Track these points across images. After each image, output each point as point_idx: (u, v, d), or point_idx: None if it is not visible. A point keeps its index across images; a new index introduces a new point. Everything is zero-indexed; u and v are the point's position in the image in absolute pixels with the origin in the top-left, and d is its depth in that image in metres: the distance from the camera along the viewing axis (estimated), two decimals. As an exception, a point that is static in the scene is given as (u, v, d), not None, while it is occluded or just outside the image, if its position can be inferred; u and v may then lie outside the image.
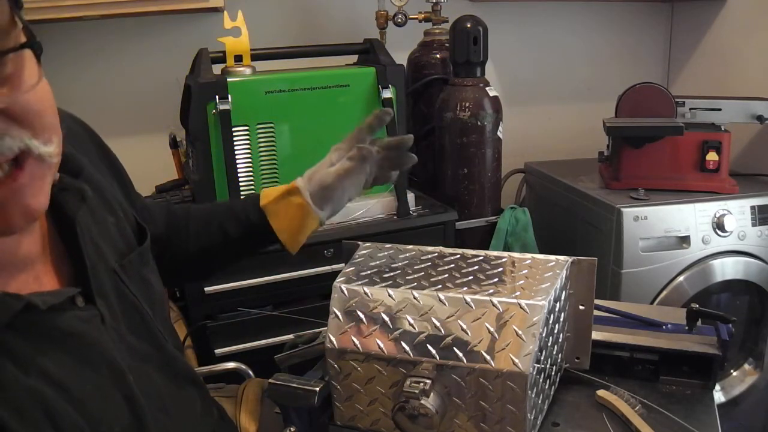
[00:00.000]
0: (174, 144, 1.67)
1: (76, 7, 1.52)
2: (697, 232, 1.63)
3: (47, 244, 0.67)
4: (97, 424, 0.62)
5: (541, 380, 0.75)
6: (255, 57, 1.53)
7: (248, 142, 1.46)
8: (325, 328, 0.78)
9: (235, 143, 1.43)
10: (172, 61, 1.75)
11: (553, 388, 0.84)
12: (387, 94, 1.54)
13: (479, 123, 1.66)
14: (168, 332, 0.81)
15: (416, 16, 1.85)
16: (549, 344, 0.76)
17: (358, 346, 0.75)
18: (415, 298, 0.75)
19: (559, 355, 0.84)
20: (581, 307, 0.85)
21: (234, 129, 1.43)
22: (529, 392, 0.70)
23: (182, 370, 0.78)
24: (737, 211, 1.64)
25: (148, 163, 1.67)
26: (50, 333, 0.61)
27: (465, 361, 0.71)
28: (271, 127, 1.48)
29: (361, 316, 0.76)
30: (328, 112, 1.52)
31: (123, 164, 0.88)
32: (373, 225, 1.55)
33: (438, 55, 1.85)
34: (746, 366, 1.83)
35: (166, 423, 0.71)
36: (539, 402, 0.76)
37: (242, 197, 1.04)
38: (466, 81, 1.68)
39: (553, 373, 0.82)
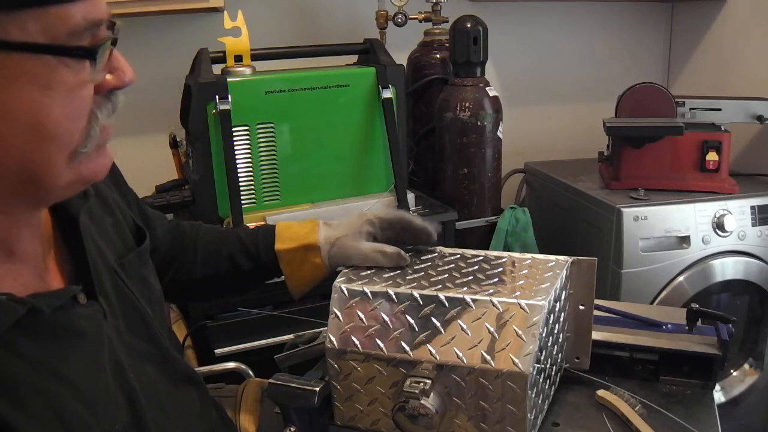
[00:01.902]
0: (174, 144, 1.67)
1: (76, 7, 1.52)
2: (697, 232, 1.63)
3: (51, 241, 0.68)
4: (102, 421, 0.62)
5: (541, 380, 0.75)
6: (255, 57, 1.53)
7: (248, 142, 1.46)
8: (325, 328, 0.78)
9: (235, 143, 1.43)
10: (172, 61, 1.75)
11: (553, 388, 0.84)
12: (387, 94, 1.54)
13: (479, 123, 1.66)
14: (166, 332, 0.81)
15: (416, 16, 1.85)
16: (549, 344, 0.76)
17: (358, 346, 0.75)
18: (415, 297, 0.75)
19: (559, 355, 0.84)
20: (581, 307, 0.85)
21: (234, 129, 1.43)
22: (529, 392, 0.70)
23: (181, 369, 0.78)
24: (737, 211, 1.64)
25: (148, 163, 1.67)
26: (56, 331, 0.61)
27: (465, 361, 0.71)
28: (271, 127, 1.48)
29: (361, 316, 0.76)
30: (328, 112, 1.52)
31: (123, 164, 0.88)
32: (373, 225, 1.55)
33: (438, 55, 1.85)
34: (746, 366, 1.83)
35: (164, 422, 0.71)
36: (539, 402, 0.75)
37: (254, 228, 1.00)
38: (466, 81, 1.68)
39: (553, 373, 0.82)
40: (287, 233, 0.95)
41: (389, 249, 0.86)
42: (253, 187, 1.48)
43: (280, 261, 0.94)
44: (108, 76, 0.61)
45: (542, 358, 0.73)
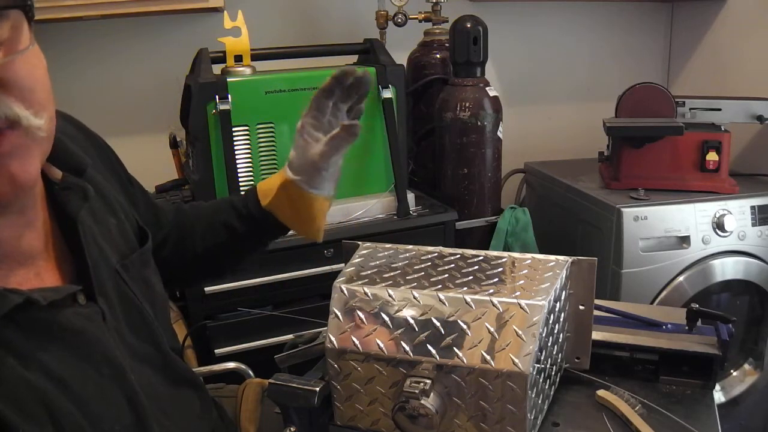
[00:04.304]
0: (174, 144, 1.67)
1: (76, 7, 1.52)
2: (697, 232, 1.63)
3: (50, 241, 0.67)
4: (98, 422, 0.62)
5: (541, 380, 0.75)
6: (255, 57, 1.53)
7: (248, 142, 1.46)
8: (325, 328, 0.78)
9: (235, 143, 1.43)
10: (172, 61, 1.75)
11: (553, 388, 0.84)
12: (387, 94, 1.55)
13: (479, 123, 1.66)
14: (168, 334, 0.81)
15: (416, 16, 1.85)
16: (549, 344, 0.76)
17: (358, 346, 0.75)
18: (415, 298, 0.75)
19: (559, 355, 0.84)
20: (581, 307, 0.85)
21: (234, 129, 1.43)
22: (529, 392, 0.69)
23: (181, 371, 0.78)
24: (737, 211, 1.64)
25: (148, 163, 1.67)
26: (51, 329, 0.61)
27: (465, 361, 0.71)
28: (271, 127, 1.48)
29: (361, 316, 0.76)
30: (328, 112, 1.52)
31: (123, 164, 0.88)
32: (373, 225, 1.55)
33: (438, 55, 1.85)
34: (746, 366, 1.83)
35: (166, 423, 0.71)
36: (539, 402, 0.75)
37: (241, 193, 1.00)
38: (466, 81, 1.68)
39: (553, 373, 0.82)
40: (265, 187, 0.94)
41: (336, 132, 0.86)
42: (253, 187, 1.48)
43: (274, 213, 0.93)
44: None
45: (542, 358, 0.73)
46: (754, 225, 1.66)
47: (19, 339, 0.58)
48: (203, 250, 0.97)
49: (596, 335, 0.89)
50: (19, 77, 0.56)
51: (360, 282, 0.80)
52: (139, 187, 0.91)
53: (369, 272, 0.84)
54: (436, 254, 0.89)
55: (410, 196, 1.62)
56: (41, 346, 0.59)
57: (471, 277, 0.79)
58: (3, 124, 0.55)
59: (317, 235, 0.95)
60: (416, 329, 0.74)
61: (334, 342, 0.76)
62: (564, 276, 0.80)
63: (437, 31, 1.86)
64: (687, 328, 0.92)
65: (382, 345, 0.74)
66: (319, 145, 0.89)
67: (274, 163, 1.49)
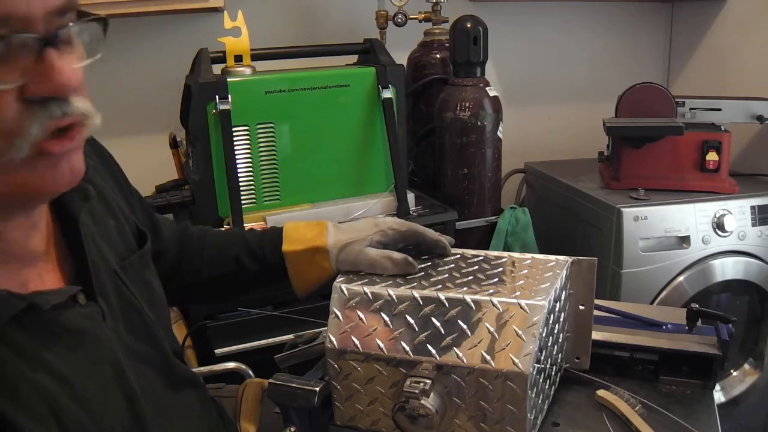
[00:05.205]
0: (174, 144, 1.67)
1: (76, 7, 1.52)
2: (697, 232, 1.63)
3: (51, 241, 0.68)
4: (99, 421, 0.62)
5: (541, 380, 0.75)
6: (255, 57, 1.53)
7: (248, 142, 1.46)
8: (325, 328, 0.78)
9: (235, 143, 1.43)
10: (172, 61, 1.75)
11: (553, 388, 0.84)
12: (387, 94, 1.55)
13: (479, 123, 1.66)
14: (168, 336, 0.81)
15: (416, 16, 1.85)
16: (549, 344, 0.76)
17: (358, 346, 0.75)
18: (415, 298, 0.75)
19: (559, 355, 0.84)
20: (581, 307, 0.85)
21: (234, 129, 1.43)
22: (529, 392, 0.69)
23: (180, 372, 0.79)
24: (737, 211, 1.64)
25: (148, 163, 1.67)
26: (54, 329, 0.61)
27: (465, 361, 0.71)
28: (271, 127, 1.48)
29: (361, 316, 0.76)
30: (328, 112, 1.52)
31: (123, 164, 0.88)
32: (373, 225, 1.55)
33: (438, 55, 1.85)
34: (746, 366, 1.83)
35: (164, 423, 0.71)
36: (539, 402, 0.75)
37: (262, 230, 1.00)
38: (466, 81, 1.68)
39: (553, 373, 0.82)
40: (295, 234, 0.93)
41: (396, 255, 0.84)
42: (253, 187, 1.48)
43: (286, 262, 0.92)
44: (32, 82, 0.54)
45: (542, 358, 0.73)
46: (754, 225, 1.66)
47: (23, 339, 0.58)
48: (208, 278, 0.96)
49: (596, 335, 0.89)
50: (84, 82, 0.62)
51: (360, 282, 0.80)
52: (139, 198, 0.91)
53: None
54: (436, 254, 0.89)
55: (410, 196, 1.62)
56: (45, 347, 0.60)
57: (471, 277, 0.79)
58: (79, 120, 0.60)
59: (303, 295, 0.95)
60: (416, 329, 0.74)
61: (334, 342, 0.76)
62: (564, 276, 0.80)
63: (437, 31, 1.86)
64: (687, 328, 0.92)
65: (382, 345, 0.74)
66: (373, 253, 0.86)
67: (274, 163, 1.49)
